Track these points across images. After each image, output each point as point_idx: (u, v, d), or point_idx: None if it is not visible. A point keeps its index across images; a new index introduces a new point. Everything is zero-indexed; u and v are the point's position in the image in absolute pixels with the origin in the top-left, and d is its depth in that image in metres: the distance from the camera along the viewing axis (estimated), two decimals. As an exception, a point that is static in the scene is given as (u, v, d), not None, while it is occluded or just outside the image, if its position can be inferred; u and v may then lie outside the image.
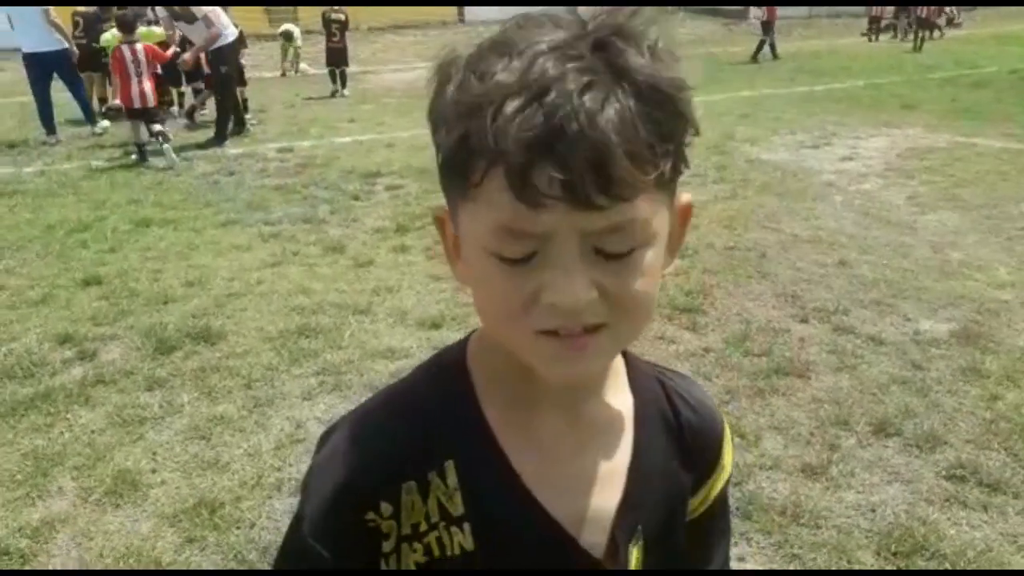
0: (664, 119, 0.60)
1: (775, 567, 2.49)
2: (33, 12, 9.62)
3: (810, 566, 2.50)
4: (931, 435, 3.15)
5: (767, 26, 18.58)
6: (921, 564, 2.49)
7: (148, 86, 8.61)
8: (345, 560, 0.75)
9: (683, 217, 0.72)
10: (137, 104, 8.53)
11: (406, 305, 4.57)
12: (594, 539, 0.77)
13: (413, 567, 0.76)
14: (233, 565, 2.54)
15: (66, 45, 9.97)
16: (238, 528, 2.70)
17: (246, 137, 10.08)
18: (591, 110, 0.56)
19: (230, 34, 9.72)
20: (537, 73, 0.58)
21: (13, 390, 3.65)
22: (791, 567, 2.49)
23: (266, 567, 2.52)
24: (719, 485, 0.88)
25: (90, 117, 10.53)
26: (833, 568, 2.48)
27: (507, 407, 0.76)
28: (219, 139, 9.69)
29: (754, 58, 18.02)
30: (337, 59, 14.21)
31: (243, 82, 11.08)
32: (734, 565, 2.49)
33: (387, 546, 0.75)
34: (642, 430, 0.81)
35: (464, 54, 0.63)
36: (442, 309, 4.44)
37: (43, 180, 7.85)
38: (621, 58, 0.59)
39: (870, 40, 23.22)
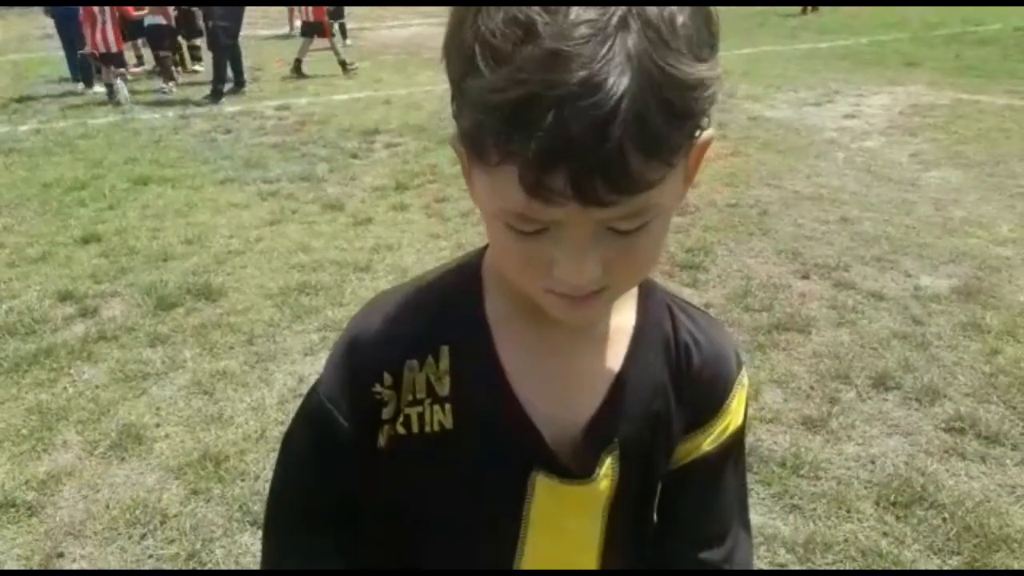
0: (682, 107, 0.56)
1: (775, 517, 2.52)
2: None
3: (810, 516, 2.52)
4: (930, 388, 3.16)
5: None
6: (920, 513, 2.52)
7: (111, 34, 9.70)
8: (352, 421, 0.81)
9: (700, 152, 0.68)
10: (102, 48, 9.65)
11: (406, 263, 4.56)
12: (567, 440, 0.81)
13: (385, 441, 0.82)
14: (238, 516, 2.56)
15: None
16: (243, 480, 2.73)
17: (243, 95, 9.99)
18: (606, 112, 0.53)
19: None
20: (551, 67, 0.53)
21: (16, 346, 3.65)
22: (790, 517, 2.52)
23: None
24: (721, 432, 0.86)
25: (76, 74, 10.56)
26: (832, 517, 2.51)
27: (510, 308, 0.80)
28: (214, 96, 9.62)
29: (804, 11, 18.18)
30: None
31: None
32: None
33: (386, 413, 0.81)
34: (638, 347, 0.83)
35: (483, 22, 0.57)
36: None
37: (39, 138, 7.80)
38: (641, 45, 0.54)
39: None
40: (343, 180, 6.29)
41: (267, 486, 2.79)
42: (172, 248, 4.84)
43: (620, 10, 0.55)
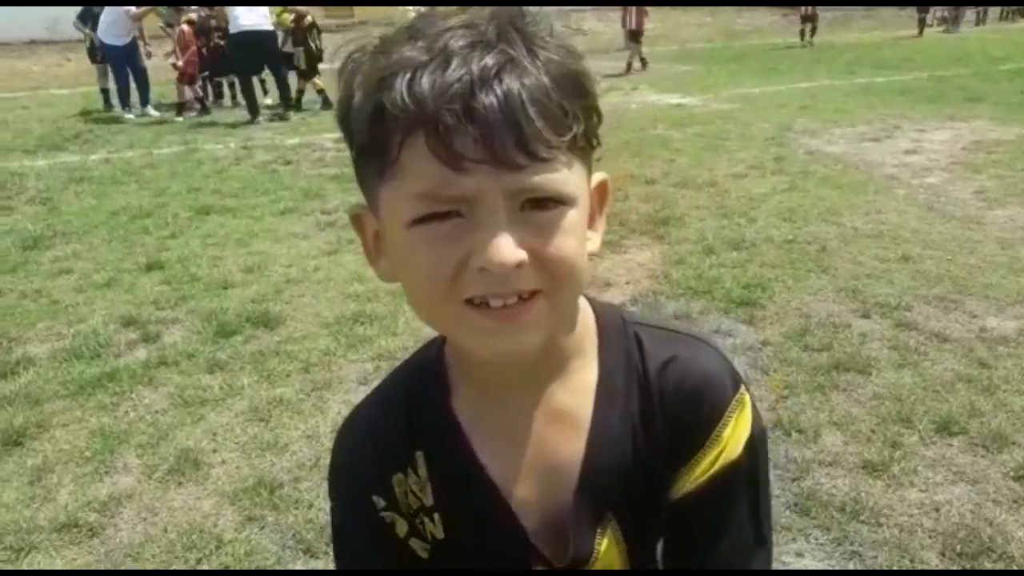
0: (570, 88, 0.61)
1: (834, 564, 2.45)
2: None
3: (870, 564, 2.45)
4: (998, 435, 3.05)
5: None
6: (987, 566, 2.42)
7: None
8: (379, 544, 0.81)
9: (600, 195, 0.73)
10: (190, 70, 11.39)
11: (460, 294, 4.59)
12: (560, 524, 0.77)
13: (431, 539, 0.80)
14: (291, 544, 2.58)
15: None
16: (296, 508, 2.75)
17: (302, 125, 10.24)
18: (503, 75, 0.58)
19: (241, 24, 10.45)
20: (444, 45, 0.59)
21: (81, 370, 3.75)
22: (850, 565, 2.45)
23: (324, 547, 2.56)
24: (709, 466, 0.76)
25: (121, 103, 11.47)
26: (895, 566, 2.43)
27: (475, 397, 0.77)
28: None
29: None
30: None
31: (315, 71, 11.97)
32: (791, 561, 2.46)
33: (401, 531, 0.80)
34: (602, 410, 0.77)
35: (369, 48, 0.64)
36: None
37: (108, 167, 8.07)
38: (524, 37, 0.61)
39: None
40: (399, 211, 6.36)
41: (320, 514, 2.82)
42: (232, 276, 4.95)
43: (500, 14, 0.63)
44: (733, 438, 0.76)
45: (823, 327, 4.00)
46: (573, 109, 0.61)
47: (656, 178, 7.05)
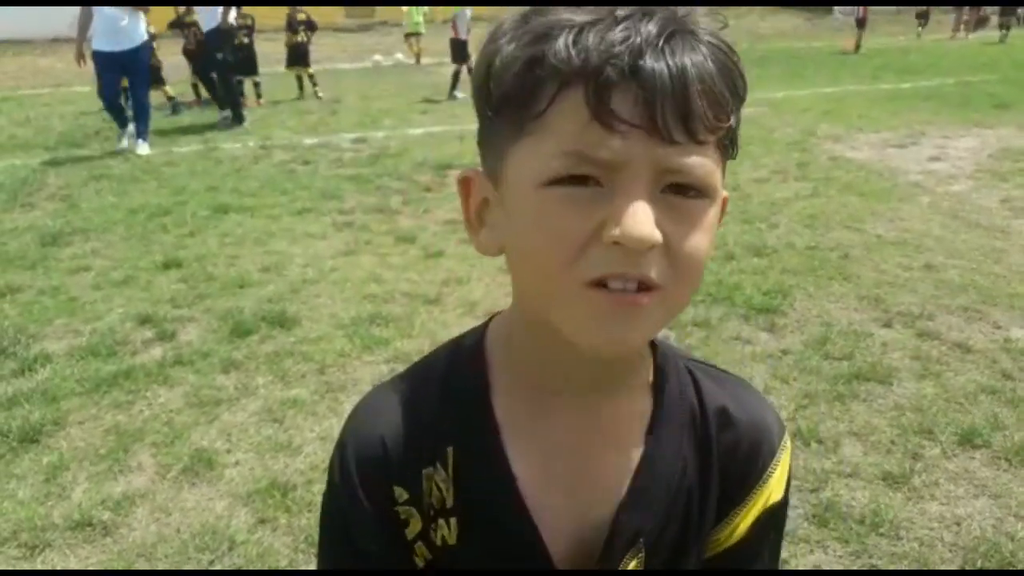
0: (730, 81, 0.59)
1: (853, 578, 2.41)
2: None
3: (890, 579, 2.40)
4: (1022, 448, 2.99)
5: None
6: (1010, 583, 2.38)
7: None
8: (385, 542, 0.74)
9: (722, 208, 0.68)
10: None
11: (475, 296, 4.57)
12: (586, 548, 0.73)
13: (423, 563, 0.74)
14: (303, 547, 2.57)
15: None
16: (309, 511, 2.73)
17: (321, 125, 10.26)
18: (673, 46, 0.56)
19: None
20: (610, 11, 0.57)
21: (97, 367, 3.76)
22: (870, 579, 2.40)
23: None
24: (760, 509, 0.78)
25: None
26: (916, 582, 2.39)
27: (519, 398, 0.72)
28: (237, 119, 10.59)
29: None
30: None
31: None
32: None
33: (413, 530, 0.73)
34: (657, 437, 0.74)
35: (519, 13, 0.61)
36: (510, 301, 4.41)
37: (127, 166, 8.12)
38: (688, 20, 0.59)
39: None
40: (416, 213, 6.37)
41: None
42: (249, 276, 4.95)
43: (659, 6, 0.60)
44: (778, 482, 0.78)
45: (844, 336, 3.95)
46: (732, 100, 0.59)
47: (676, 182, 6.99)
